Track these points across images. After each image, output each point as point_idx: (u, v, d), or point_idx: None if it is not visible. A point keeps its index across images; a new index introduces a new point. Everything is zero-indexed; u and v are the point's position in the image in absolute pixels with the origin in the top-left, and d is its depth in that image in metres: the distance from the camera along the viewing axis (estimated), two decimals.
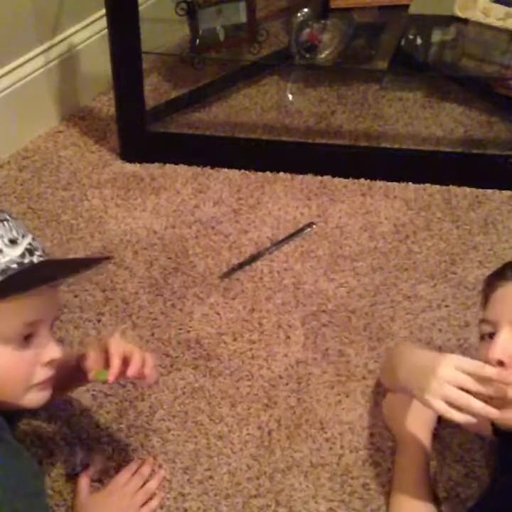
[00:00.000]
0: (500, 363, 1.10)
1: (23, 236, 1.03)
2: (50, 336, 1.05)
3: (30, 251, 1.02)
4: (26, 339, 1.02)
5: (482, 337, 1.18)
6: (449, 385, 1.09)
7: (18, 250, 1.00)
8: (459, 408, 1.09)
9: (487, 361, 1.12)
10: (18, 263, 1.00)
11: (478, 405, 1.07)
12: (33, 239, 1.05)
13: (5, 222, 1.02)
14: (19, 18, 1.86)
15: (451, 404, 1.09)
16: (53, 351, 1.05)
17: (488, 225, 1.78)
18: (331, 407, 1.42)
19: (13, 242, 1.00)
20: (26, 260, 1.01)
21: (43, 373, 1.05)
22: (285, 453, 1.36)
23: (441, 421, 1.36)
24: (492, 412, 1.07)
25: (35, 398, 1.06)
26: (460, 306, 1.60)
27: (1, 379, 1.01)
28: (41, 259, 1.04)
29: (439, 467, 1.33)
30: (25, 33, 1.90)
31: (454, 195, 1.86)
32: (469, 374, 1.09)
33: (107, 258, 1.22)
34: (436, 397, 1.10)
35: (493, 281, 1.19)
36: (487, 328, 1.16)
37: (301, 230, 1.76)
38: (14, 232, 1.02)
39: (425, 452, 1.30)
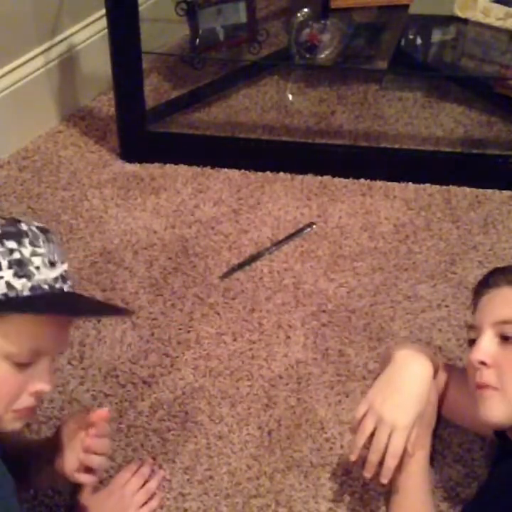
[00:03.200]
0: (483, 364, 1.14)
1: (62, 262, 1.02)
2: (48, 369, 1.02)
3: (64, 278, 1.01)
4: (24, 364, 0.99)
5: (469, 343, 1.22)
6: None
7: (54, 273, 0.99)
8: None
9: (471, 364, 1.17)
10: (49, 286, 0.99)
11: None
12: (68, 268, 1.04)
13: (51, 244, 1.01)
14: (19, 18, 1.86)
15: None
16: (44, 384, 1.02)
17: (488, 225, 1.78)
18: (331, 407, 1.42)
19: (52, 264, 1.00)
20: (58, 285, 1.00)
21: (26, 401, 1.02)
22: (285, 453, 1.36)
23: (441, 421, 1.37)
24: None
25: (10, 424, 1.03)
26: (460, 306, 1.60)
27: None
28: (71, 290, 1.03)
29: (439, 467, 1.33)
30: (25, 33, 1.90)
31: (454, 195, 1.86)
32: None
33: (131, 312, 1.19)
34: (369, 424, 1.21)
35: (479, 290, 1.24)
36: (473, 334, 1.21)
37: (301, 230, 1.76)
38: (56, 256, 1.01)
39: (425, 452, 1.30)
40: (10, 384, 0.99)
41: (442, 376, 1.35)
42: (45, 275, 0.98)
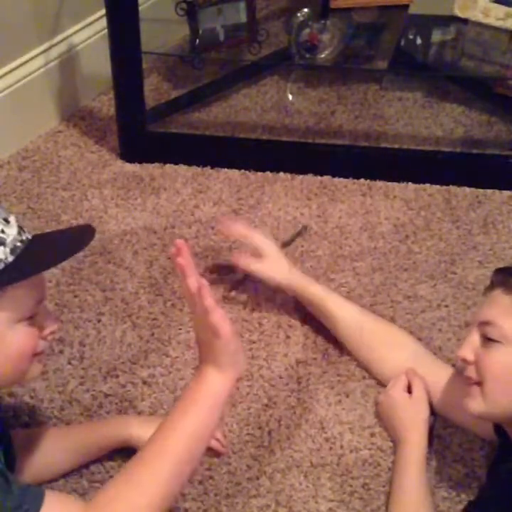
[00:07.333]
0: (464, 360, 1.19)
1: (9, 214, 1.03)
2: (47, 311, 1.09)
3: (21, 228, 1.03)
4: (32, 316, 1.05)
5: None
6: None
7: (14, 228, 1.01)
8: None
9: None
10: (19, 241, 1.01)
11: None
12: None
13: None
14: (19, 18, 1.86)
15: None
16: (53, 324, 1.09)
17: (488, 225, 1.78)
18: (331, 407, 1.42)
19: (6, 221, 1.01)
20: (24, 237, 1.02)
21: (42, 345, 1.08)
22: (285, 453, 1.36)
23: (437, 419, 1.37)
24: None
25: (36, 370, 1.09)
26: (460, 306, 1.60)
27: (16, 355, 1.04)
28: (30, 236, 1.04)
29: (439, 467, 1.33)
30: (25, 33, 1.90)
31: (454, 195, 1.86)
32: None
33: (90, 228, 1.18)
34: None
35: (485, 292, 1.26)
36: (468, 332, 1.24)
37: (298, 234, 1.75)
38: (2, 212, 1.02)
39: (423, 450, 1.30)
40: (31, 340, 1.05)
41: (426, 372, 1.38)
42: (11, 234, 1.00)
